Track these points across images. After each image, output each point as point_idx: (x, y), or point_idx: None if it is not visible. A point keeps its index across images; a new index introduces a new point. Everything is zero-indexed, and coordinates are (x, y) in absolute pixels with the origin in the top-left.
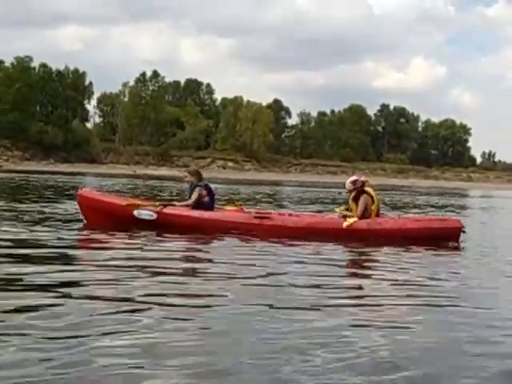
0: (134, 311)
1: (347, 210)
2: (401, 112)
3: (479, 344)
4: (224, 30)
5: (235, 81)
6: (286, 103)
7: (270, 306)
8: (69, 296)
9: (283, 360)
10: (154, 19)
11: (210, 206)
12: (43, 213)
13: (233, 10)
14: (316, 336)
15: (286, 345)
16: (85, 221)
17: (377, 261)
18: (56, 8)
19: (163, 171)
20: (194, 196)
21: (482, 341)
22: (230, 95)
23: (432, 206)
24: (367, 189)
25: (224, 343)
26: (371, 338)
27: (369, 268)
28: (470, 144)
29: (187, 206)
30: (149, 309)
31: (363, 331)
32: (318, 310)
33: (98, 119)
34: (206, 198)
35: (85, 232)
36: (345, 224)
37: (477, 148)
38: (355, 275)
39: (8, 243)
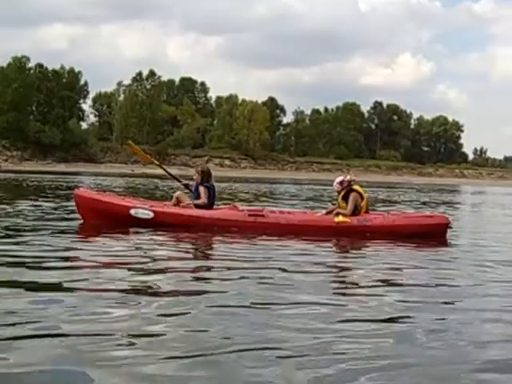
0: (130, 305)
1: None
2: (394, 109)
3: (463, 337)
4: (210, 28)
5: (223, 79)
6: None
7: (261, 303)
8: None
9: (269, 356)
10: (140, 18)
11: (209, 206)
12: (41, 212)
13: (219, 7)
14: (302, 330)
15: (269, 339)
16: (82, 220)
17: (366, 257)
18: (43, 7)
19: (161, 170)
20: (203, 195)
21: (465, 334)
22: (219, 93)
23: (424, 203)
24: (355, 186)
25: (213, 336)
26: (359, 332)
27: (358, 263)
28: (461, 141)
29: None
30: (144, 303)
31: (351, 325)
32: (308, 305)
33: (93, 118)
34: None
35: (82, 231)
36: (335, 219)
37: (466, 144)
38: (345, 271)
39: (7, 241)
